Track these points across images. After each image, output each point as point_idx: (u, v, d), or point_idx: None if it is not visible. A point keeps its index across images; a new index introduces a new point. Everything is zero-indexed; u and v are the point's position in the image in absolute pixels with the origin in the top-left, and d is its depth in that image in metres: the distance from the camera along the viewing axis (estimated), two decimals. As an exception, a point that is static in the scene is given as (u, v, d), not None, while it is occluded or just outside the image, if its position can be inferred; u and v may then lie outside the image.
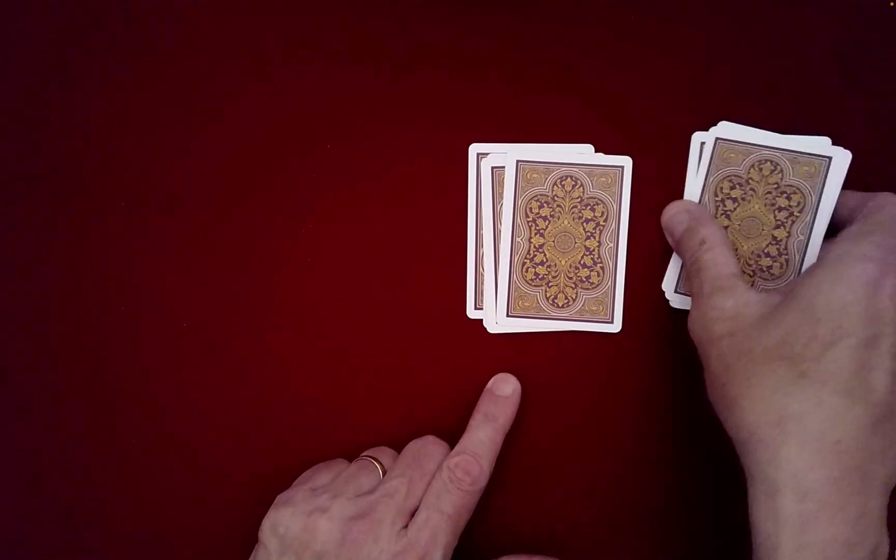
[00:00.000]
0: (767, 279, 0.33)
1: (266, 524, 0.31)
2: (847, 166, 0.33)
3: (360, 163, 0.39)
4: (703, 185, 0.35)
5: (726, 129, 0.35)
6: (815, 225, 0.33)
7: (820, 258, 0.30)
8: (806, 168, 0.33)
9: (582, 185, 0.36)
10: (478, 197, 0.37)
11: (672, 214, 0.34)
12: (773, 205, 0.34)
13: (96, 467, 0.36)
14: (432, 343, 0.37)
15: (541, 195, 0.36)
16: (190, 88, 0.41)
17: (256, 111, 0.40)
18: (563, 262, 0.36)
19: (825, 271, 0.28)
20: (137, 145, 0.40)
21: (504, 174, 0.37)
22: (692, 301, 0.32)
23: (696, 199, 0.35)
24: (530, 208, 0.36)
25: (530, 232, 0.36)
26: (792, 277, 0.33)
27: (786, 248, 0.33)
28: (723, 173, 0.34)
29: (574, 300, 0.36)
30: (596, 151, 0.37)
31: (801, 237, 0.33)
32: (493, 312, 0.36)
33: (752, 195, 0.34)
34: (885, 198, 0.31)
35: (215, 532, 0.37)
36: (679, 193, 0.36)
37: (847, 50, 0.40)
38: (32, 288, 0.38)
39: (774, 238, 0.33)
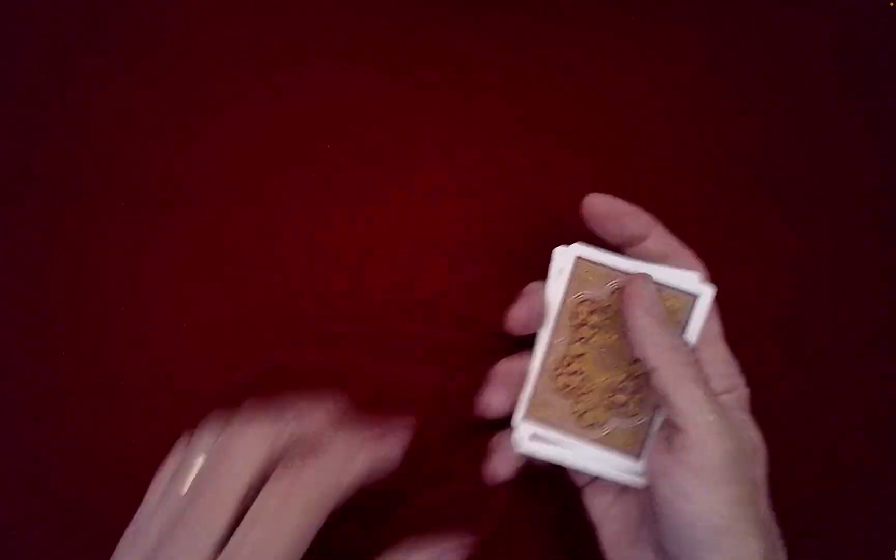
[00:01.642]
0: (623, 417, 0.31)
1: None
2: (709, 304, 0.30)
3: (360, 163, 0.39)
4: (561, 305, 0.32)
5: (586, 250, 0.32)
6: None
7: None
8: (669, 303, 0.31)
9: None
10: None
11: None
12: None
13: (96, 467, 0.36)
14: (430, 339, 0.37)
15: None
16: (190, 88, 0.41)
17: (257, 111, 0.40)
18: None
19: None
20: (138, 145, 0.40)
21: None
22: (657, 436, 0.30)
23: (553, 318, 0.32)
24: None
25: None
26: (646, 420, 0.31)
27: (640, 387, 0.31)
28: (582, 295, 0.32)
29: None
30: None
31: None
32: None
33: (610, 324, 0.31)
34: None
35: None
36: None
37: (847, 50, 0.40)
38: (33, 288, 0.38)
39: (631, 374, 0.31)
